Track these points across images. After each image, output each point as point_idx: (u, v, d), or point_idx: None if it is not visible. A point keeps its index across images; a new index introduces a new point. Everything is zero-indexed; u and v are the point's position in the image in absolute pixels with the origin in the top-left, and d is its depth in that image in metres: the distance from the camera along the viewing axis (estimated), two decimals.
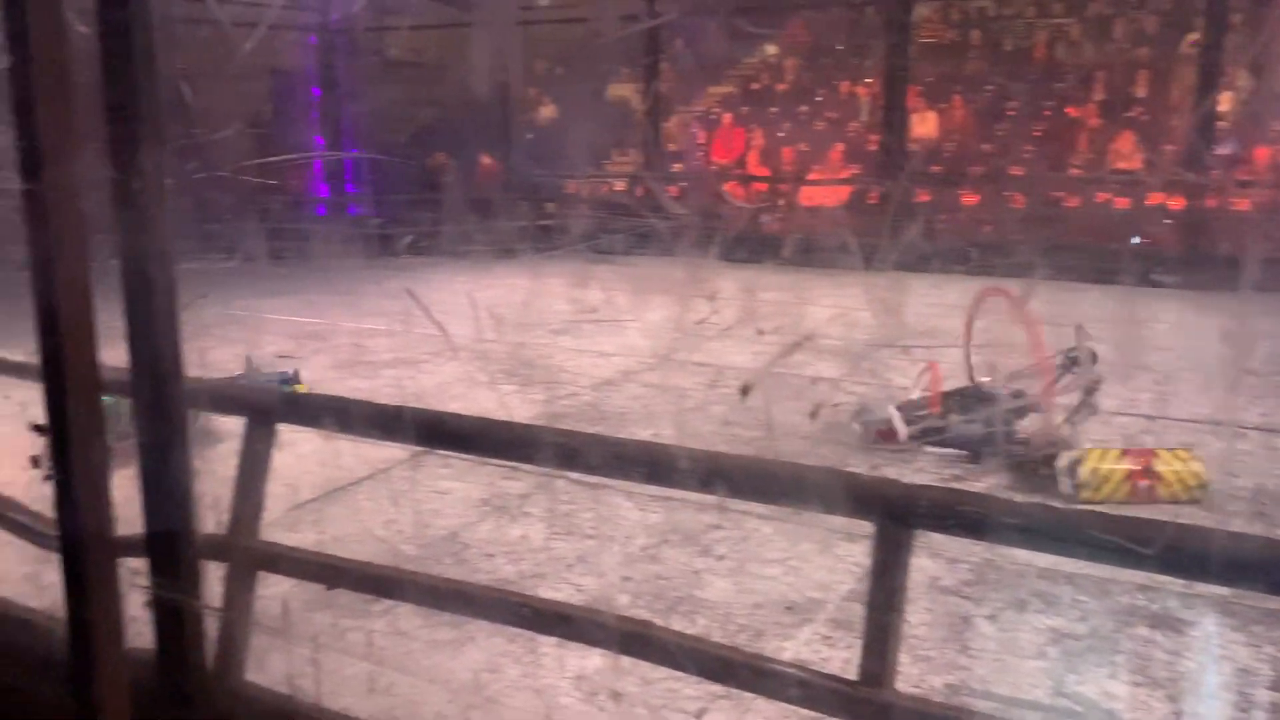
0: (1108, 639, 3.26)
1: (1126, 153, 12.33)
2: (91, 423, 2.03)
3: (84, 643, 2.06)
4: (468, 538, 4.06)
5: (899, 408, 5.06)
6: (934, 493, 1.74)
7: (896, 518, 1.71)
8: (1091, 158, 12.77)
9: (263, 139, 12.58)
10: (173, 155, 2.06)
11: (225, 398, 2.31)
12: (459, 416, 2.02)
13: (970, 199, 12.77)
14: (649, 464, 1.74)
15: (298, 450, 3.27)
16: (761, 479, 1.73)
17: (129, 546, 2.16)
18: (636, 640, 1.82)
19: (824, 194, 13.61)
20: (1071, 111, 13.54)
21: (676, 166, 15.41)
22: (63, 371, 1.98)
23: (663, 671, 2.68)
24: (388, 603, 3.14)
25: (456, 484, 4.53)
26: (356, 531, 4.12)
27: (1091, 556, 1.52)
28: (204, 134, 2.17)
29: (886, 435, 5.00)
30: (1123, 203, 11.94)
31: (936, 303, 7.90)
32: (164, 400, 2.09)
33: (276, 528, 4.07)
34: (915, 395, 5.23)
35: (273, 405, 2.28)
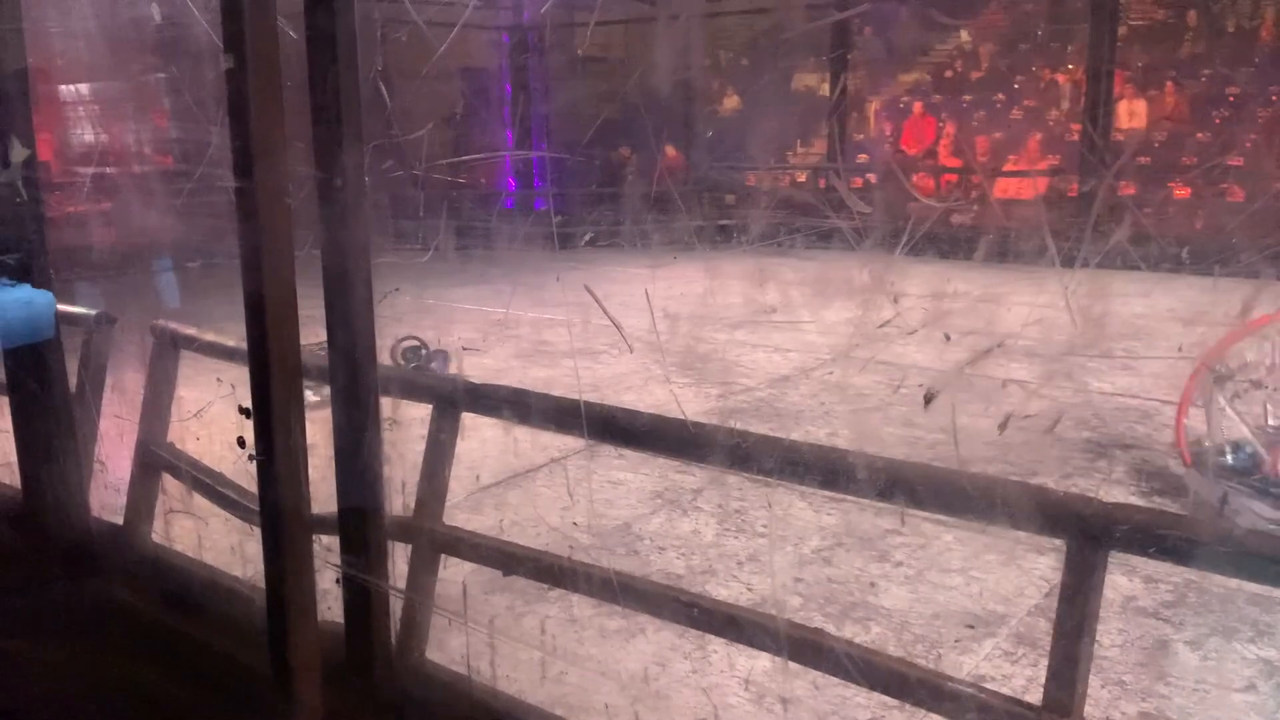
0: None
1: None
2: (292, 406, 2.16)
3: (280, 613, 2.19)
4: (640, 529, 4.10)
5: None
6: (1133, 512, 1.62)
7: (1091, 537, 1.60)
8: None
9: (457, 137, 13.08)
10: (373, 154, 2.16)
11: (413, 385, 2.41)
12: (629, 412, 2.04)
13: (1182, 193, 11.93)
14: (823, 468, 1.69)
15: (481, 435, 3.37)
16: (942, 489, 1.66)
17: (323, 524, 2.29)
18: (808, 648, 1.78)
19: (1020, 186, 13.00)
20: None
21: (862, 157, 15.08)
22: (267, 358, 2.10)
23: (833, 678, 2.63)
24: (561, 589, 3.20)
25: (629, 475, 4.58)
26: (535, 517, 4.23)
27: None
28: (399, 134, 2.27)
29: None
30: None
31: (1146, 307, 7.46)
32: (358, 387, 2.19)
33: (461, 510, 4.24)
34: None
35: (458, 394, 2.36)
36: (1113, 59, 11.78)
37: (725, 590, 3.61)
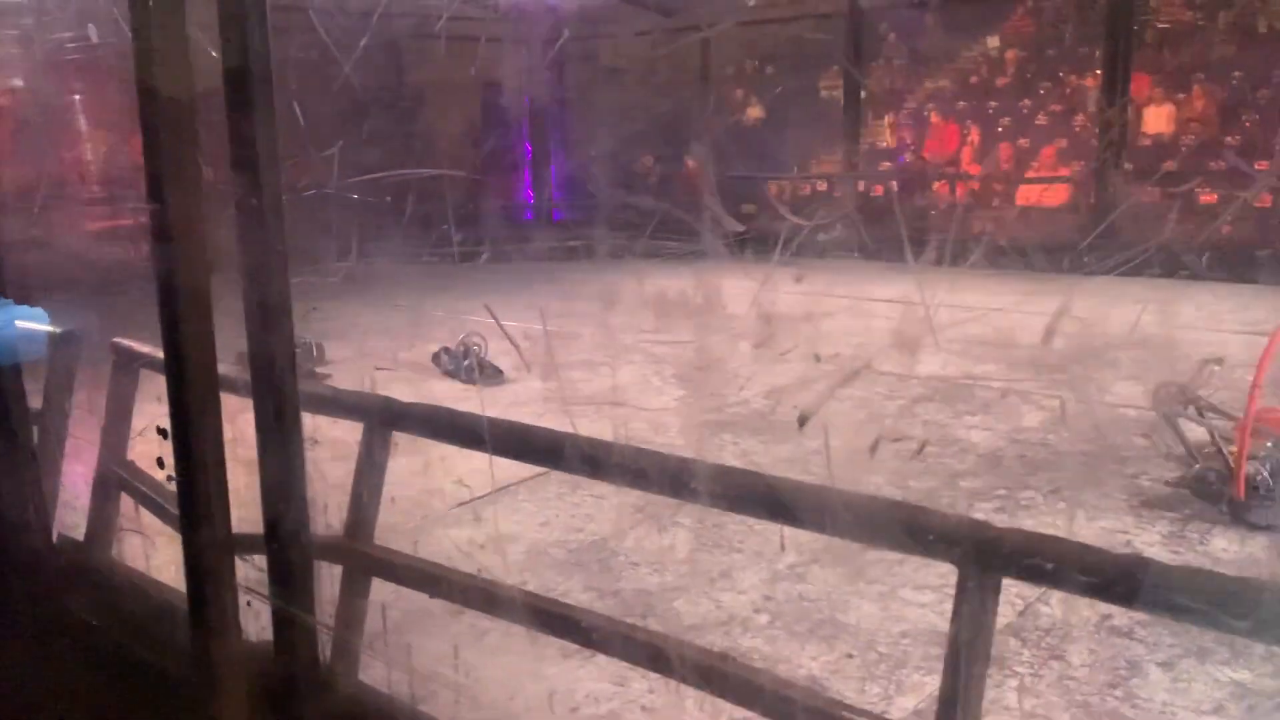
0: None
1: None
2: (212, 426, 2.16)
3: (202, 633, 2.20)
4: (616, 545, 4.07)
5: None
6: (1024, 537, 1.57)
7: (981, 563, 1.56)
8: None
9: (478, 149, 13.15)
10: (291, 171, 2.16)
11: (344, 404, 2.40)
12: (533, 429, 2.01)
13: (1208, 198, 11.70)
14: (712, 486, 1.66)
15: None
16: (833, 511, 1.62)
17: (249, 545, 2.29)
18: (708, 672, 1.75)
19: (1041, 193, 12.88)
20: None
21: (884, 165, 14.99)
22: (183, 380, 2.11)
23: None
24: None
25: (611, 489, 4.54)
26: (512, 532, 4.21)
27: (1190, 620, 1.33)
28: (315, 152, 2.27)
29: None
30: None
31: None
32: (279, 406, 2.19)
33: (439, 524, 4.24)
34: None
35: (389, 412, 2.35)
36: (1129, 63, 11.63)
37: (694, 608, 3.57)
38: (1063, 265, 10.88)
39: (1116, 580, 1.46)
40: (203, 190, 2.07)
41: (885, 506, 1.59)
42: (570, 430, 2.06)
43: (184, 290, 2.06)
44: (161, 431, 2.14)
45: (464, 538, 4.12)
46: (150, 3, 1.93)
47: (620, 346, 7.10)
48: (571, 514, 4.38)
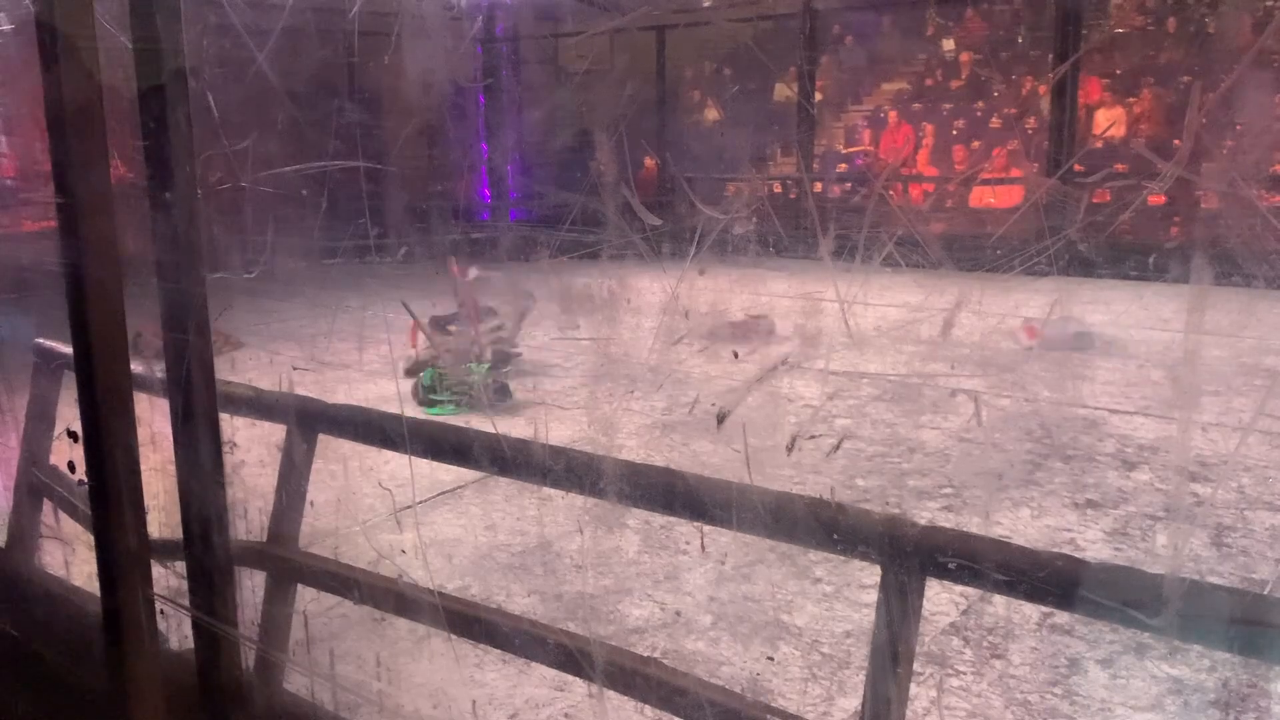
0: (1238, 693, 2.89)
1: None
2: (124, 427, 2.08)
3: (117, 641, 2.12)
4: (562, 547, 4.02)
5: None
6: (950, 536, 1.55)
7: (906, 561, 1.53)
8: None
9: (432, 149, 13.00)
10: (204, 165, 2.09)
11: (266, 404, 2.33)
12: (465, 431, 1.97)
13: (1156, 199, 11.86)
14: (617, 479, 1.62)
15: None
16: (754, 508, 1.59)
17: (168, 550, 2.21)
18: (626, 674, 1.70)
19: (995, 195, 13.04)
20: None
21: (841, 166, 15.07)
22: (94, 377, 2.03)
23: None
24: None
25: (558, 490, 4.49)
26: (455, 536, 4.15)
27: (1111, 618, 1.30)
28: (229, 145, 2.20)
29: None
30: None
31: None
32: (196, 406, 2.12)
33: (379, 530, 4.16)
34: None
35: (310, 413, 2.28)
36: (1078, 66, 11.79)
37: (639, 610, 3.53)
38: (1014, 265, 10.98)
39: (1043, 579, 1.43)
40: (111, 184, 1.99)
41: (806, 504, 1.55)
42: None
43: (93, 285, 1.98)
44: (71, 434, 2.06)
45: (404, 543, 4.05)
46: None
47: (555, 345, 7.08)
48: (518, 516, 4.33)
